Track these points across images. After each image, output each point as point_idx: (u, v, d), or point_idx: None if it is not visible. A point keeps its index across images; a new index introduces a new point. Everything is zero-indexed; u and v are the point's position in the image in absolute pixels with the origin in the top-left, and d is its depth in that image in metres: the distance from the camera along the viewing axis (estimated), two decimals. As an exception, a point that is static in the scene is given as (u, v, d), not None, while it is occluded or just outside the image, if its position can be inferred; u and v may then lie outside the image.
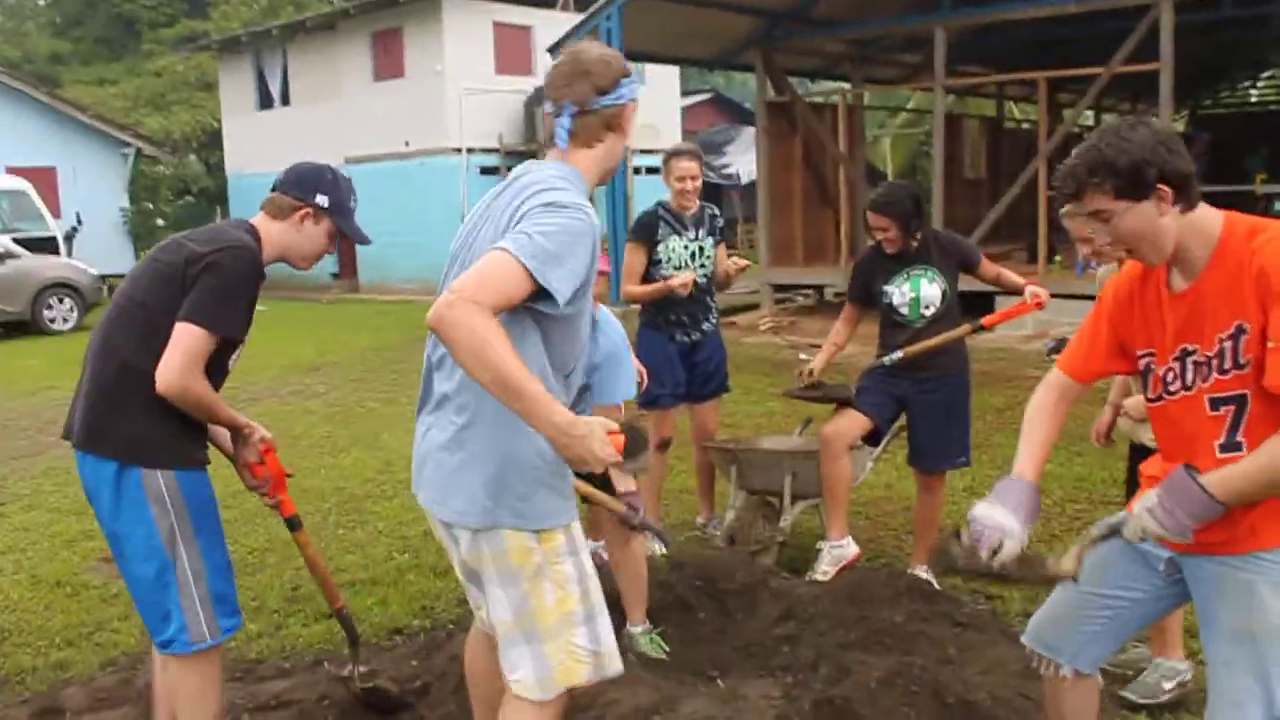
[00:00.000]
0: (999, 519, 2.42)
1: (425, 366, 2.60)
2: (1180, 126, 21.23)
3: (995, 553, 2.39)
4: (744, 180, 25.39)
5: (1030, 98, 18.67)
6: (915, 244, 4.61)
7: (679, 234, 5.22)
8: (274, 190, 3.14)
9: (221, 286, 2.89)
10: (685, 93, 31.49)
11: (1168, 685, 3.63)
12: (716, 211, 5.43)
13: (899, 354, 4.63)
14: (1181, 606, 3.54)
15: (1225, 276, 2.29)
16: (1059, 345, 11.49)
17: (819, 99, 17.09)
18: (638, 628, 4.06)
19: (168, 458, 2.97)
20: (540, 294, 2.24)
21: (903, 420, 4.90)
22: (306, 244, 3.15)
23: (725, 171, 28.67)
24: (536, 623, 2.44)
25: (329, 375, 11.74)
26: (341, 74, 22.18)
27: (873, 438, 4.83)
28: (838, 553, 4.63)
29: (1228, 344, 2.29)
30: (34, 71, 44.39)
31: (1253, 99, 29.43)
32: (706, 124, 32.94)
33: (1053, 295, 12.66)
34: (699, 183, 5.21)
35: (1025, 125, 21.65)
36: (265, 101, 24.48)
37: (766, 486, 5.05)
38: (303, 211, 3.10)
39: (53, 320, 16.42)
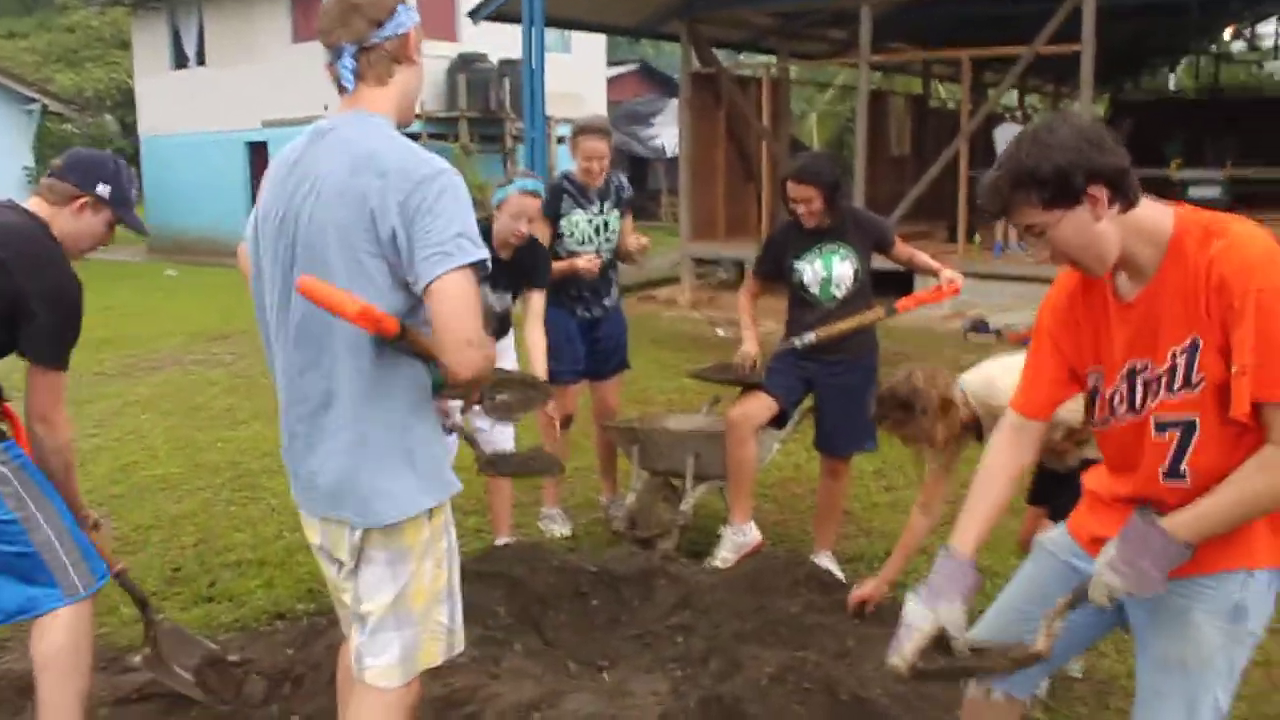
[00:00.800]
0: (911, 618, 2.27)
1: (285, 371, 2.38)
2: (1101, 111, 21.45)
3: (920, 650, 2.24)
4: (670, 152, 25.21)
5: (956, 77, 18.70)
6: (830, 219, 4.46)
7: (583, 207, 5.04)
8: (51, 176, 3.04)
9: (71, 323, 2.91)
10: (613, 63, 31.19)
11: None
12: (623, 183, 5.24)
13: (811, 336, 4.49)
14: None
15: (1179, 283, 2.04)
16: (976, 325, 11.52)
17: (746, 72, 16.96)
18: None
19: None
20: None
21: (809, 403, 4.77)
22: (85, 234, 3.07)
23: (652, 143, 28.48)
24: (412, 604, 2.37)
25: (236, 344, 11.36)
26: (259, 35, 21.51)
27: (778, 420, 4.70)
28: (739, 539, 4.51)
29: (1181, 359, 2.06)
30: (-62, 23, 42.82)
31: (1171, 86, 29.91)
32: (633, 94, 32.68)
33: (972, 275, 12.74)
34: (605, 163, 5.03)
35: (951, 105, 21.71)
36: (180, 61, 23.68)
37: (669, 467, 4.91)
38: (82, 201, 3.02)
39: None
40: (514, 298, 4.62)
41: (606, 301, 5.19)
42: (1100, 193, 2.01)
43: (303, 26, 20.81)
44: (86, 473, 5.98)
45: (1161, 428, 2.12)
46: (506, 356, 4.61)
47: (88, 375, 9.35)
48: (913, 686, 3.17)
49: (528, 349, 4.48)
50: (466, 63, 20.02)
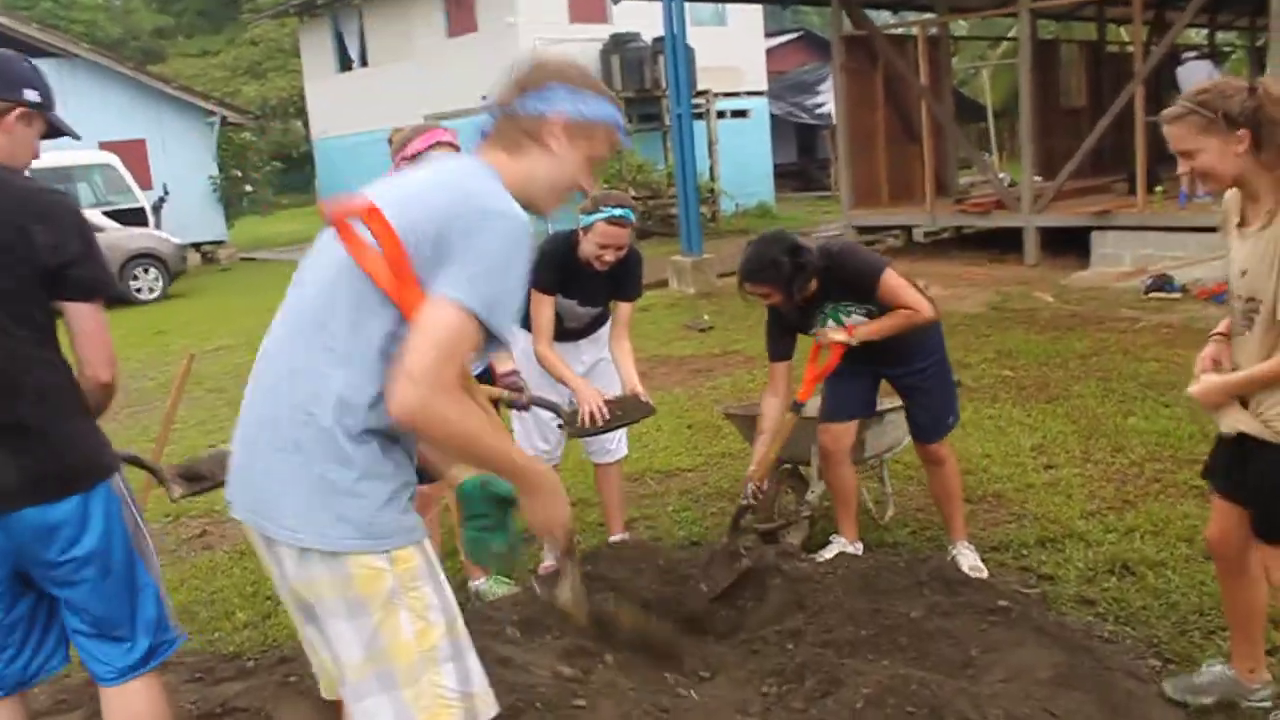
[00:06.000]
0: None
1: (267, 346, 2.11)
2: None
3: None
4: (836, 120, 24.49)
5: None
6: (812, 289, 3.95)
7: None
8: None
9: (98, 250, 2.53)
10: (774, 32, 30.55)
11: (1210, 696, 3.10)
12: None
13: (751, 485, 4.09)
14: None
15: None
16: (1158, 282, 10.60)
17: (903, 31, 16.20)
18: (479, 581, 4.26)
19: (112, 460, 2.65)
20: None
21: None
22: (22, 151, 2.60)
23: (818, 111, 27.79)
24: (393, 662, 2.00)
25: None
26: (416, 32, 21.91)
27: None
28: (850, 550, 4.23)
29: None
30: (140, 47, 45.49)
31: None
32: (798, 63, 31.98)
33: (1154, 229, 11.75)
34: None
35: (1131, 49, 20.28)
36: (345, 64, 24.38)
37: (792, 456, 4.55)
38: (16, 112, 2.56)
39: (139, 290, 16.59)
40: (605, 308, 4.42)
41: None
42: None
43: (456, 20, 21.09)
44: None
45: None
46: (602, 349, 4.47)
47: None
48: (1041, 705, 2.76)
49: (616, 360, 4.27)
50: (619, 43, 19.85)
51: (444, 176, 2.07)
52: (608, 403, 4.01)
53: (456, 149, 3.75)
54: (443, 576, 2.09)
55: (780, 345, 4.18)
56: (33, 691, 3.79)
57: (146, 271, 16.76)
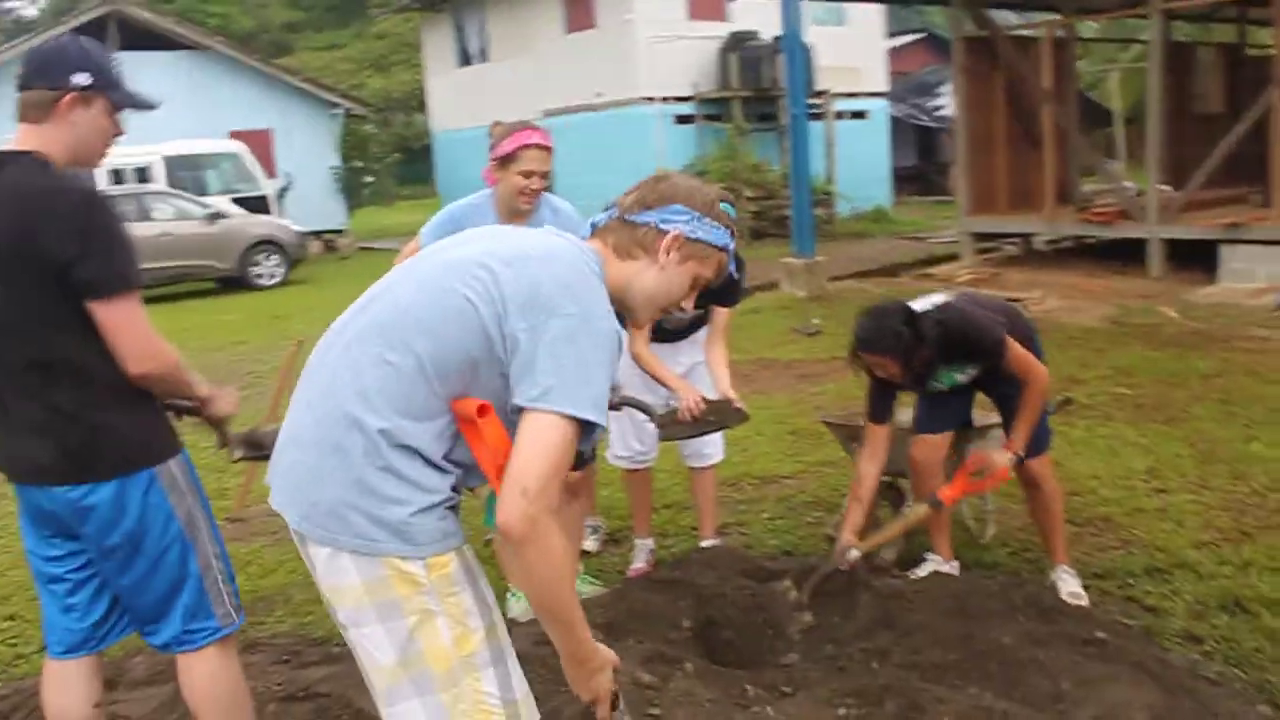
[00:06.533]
0: None
1: (332, 338, 2.10)
2: None
3: None
4: (955, 122, 23.99)
5: None
6: (925, 356, 3.76)
7: None
8: (21, 90, 2.57)
9: (115, 239, 2.50)
10: (897, 32, 30.10)
11: None
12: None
13: (855, 553, 3.80)
14: None
15: None
16: (1293, 299, 10.00)
17: (1027, 32, 15.77)
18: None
19: (163, 449, 2.71)
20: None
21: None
22: (91, 135, 2.60)
23: (938, 114, 27.29)
24: (429, 666, 1.96)
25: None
26: (535, 28, 22.10)
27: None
28: (944, 569, 4.09)
29: None
30: (270, 40, 46.91)
31: None
32: (920, 65, 31.46)
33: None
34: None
35: (1273, 52, 19.39)
36: (465, 58, 24.73)
37: (893, 469, 4.44)
38: (67, 99, 2.54)
39: (259, 276, 17.07)
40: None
41: None
42: None
43: (575, 16, 21.19)
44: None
45: None
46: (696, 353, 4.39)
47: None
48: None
49: (710, 366, 4.22)
50: (738, 41, 19.75)
51: (560, 256, 2.02)
52: (704, 402, 3.98)
53: (548, 150, 3.73)
54: (483, 581, 2.06)
55: (880, 405, 4.01)
56: (132, 661, 3.97)
57: (268, 258, 17.23)
